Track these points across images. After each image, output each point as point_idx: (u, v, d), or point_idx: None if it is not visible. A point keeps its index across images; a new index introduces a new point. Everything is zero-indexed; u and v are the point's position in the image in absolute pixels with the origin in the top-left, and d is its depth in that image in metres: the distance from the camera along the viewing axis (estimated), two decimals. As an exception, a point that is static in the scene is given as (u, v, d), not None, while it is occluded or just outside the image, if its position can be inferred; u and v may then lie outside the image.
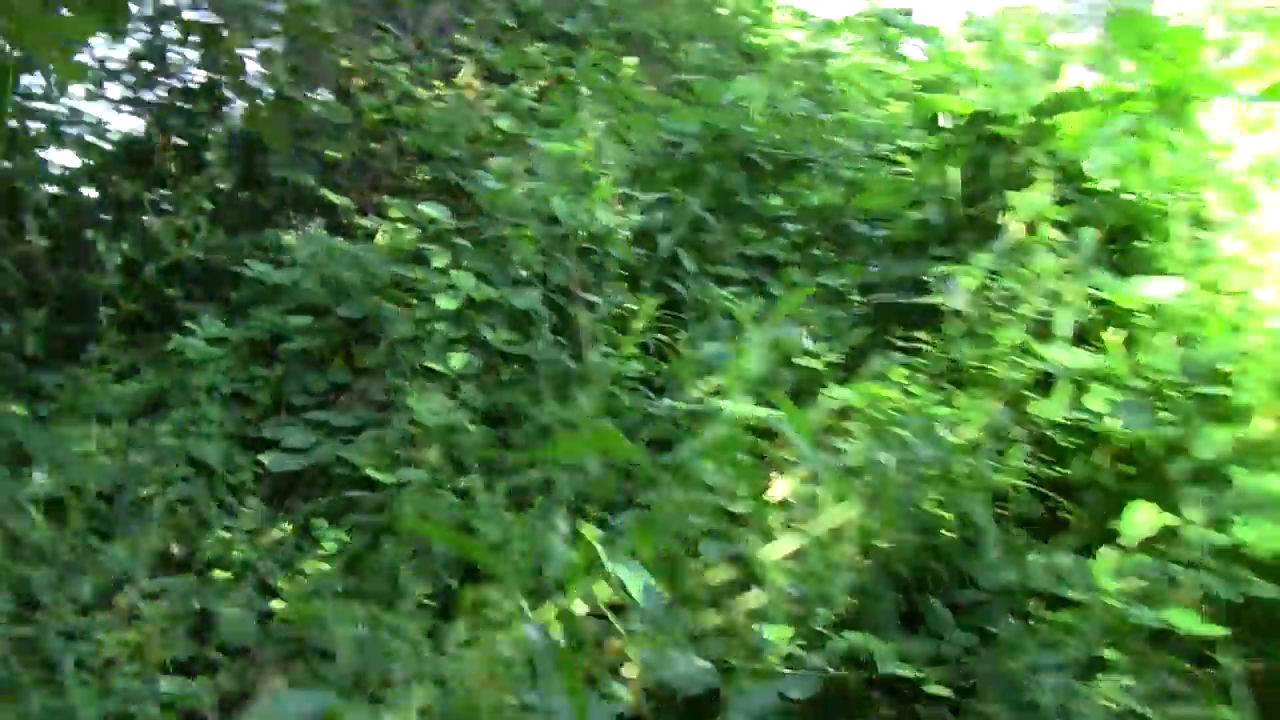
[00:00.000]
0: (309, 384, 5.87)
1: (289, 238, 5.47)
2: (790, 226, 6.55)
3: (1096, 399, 3.79)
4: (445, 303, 4.91)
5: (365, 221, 6.23)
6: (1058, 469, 3.82)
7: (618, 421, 4.61)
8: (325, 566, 4.69)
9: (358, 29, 7.67)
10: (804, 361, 4.54)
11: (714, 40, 8.74)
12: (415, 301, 5.17)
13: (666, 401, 4.58)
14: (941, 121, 4.76)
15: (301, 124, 7.65)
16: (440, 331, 4.93)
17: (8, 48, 6.38)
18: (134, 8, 7.88)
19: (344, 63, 7.55)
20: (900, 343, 4.33)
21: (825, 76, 8.23)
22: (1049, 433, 3.84)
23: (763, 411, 4.07)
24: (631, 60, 7.10)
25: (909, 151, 5.68)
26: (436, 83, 7.49)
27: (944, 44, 5.32)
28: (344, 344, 5.87)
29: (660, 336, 4.98)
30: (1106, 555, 3.31)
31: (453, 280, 5.00)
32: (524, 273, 4.99)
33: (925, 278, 4.47)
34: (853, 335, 4.77)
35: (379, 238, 5.55)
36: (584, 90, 5.85)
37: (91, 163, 8.24)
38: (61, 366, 6.94)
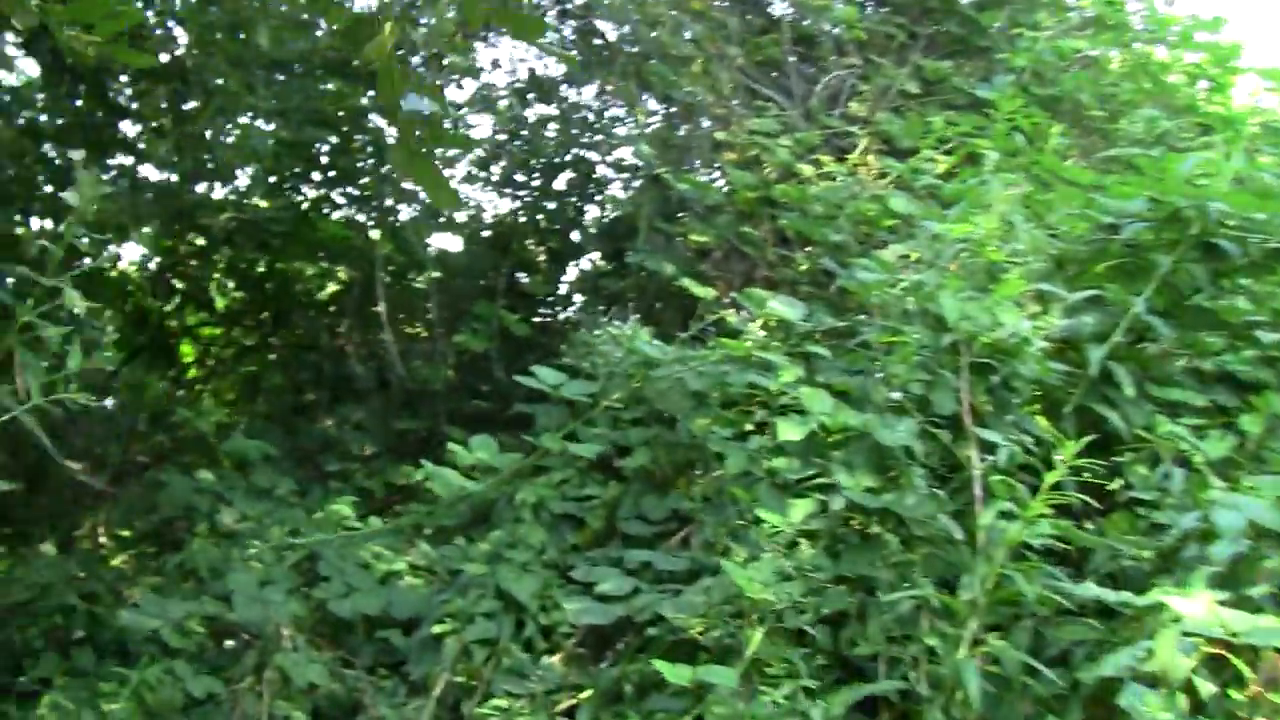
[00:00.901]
0: (646, 509, 5.05)
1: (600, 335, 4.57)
2: (1265, 335, 5.00)
3: None
4: (789, 431, 3.76)
5: (731, 316, 5.29)
6: None
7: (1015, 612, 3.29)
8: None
9: (737, 97, 6.79)
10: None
11: (1162, 108, 7.22)
12: (751, 425, 4.08)
13: (1091, 589, 3.21)
14: None
15: (670, 205, 6.89)
16: (780, 469, 3.78)
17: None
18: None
19: (718, 135, 6.69)
20: None
21: (1305, 149, 6.60)
22: None
23: (1240, 620, 2.77)
24: (1057, 128, 5.76)
25: None
26: (823, 157, 6.47)
27: None
28: (689, 465, 4.94)
29: (1083, 496, 3.50)
30: None
31: (802, 400, 3.83)
32: (897, 395, 3.75)
33: None
34: (1383, 506, 3.26)
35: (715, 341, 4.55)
36: (992, 155, 4.56)
37: (473, 249, 7.89)
38: (402, 463, 6.50)
